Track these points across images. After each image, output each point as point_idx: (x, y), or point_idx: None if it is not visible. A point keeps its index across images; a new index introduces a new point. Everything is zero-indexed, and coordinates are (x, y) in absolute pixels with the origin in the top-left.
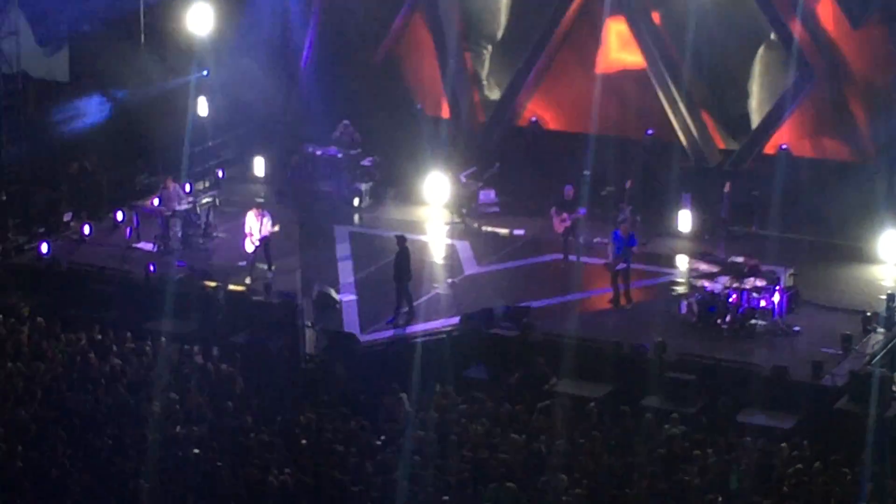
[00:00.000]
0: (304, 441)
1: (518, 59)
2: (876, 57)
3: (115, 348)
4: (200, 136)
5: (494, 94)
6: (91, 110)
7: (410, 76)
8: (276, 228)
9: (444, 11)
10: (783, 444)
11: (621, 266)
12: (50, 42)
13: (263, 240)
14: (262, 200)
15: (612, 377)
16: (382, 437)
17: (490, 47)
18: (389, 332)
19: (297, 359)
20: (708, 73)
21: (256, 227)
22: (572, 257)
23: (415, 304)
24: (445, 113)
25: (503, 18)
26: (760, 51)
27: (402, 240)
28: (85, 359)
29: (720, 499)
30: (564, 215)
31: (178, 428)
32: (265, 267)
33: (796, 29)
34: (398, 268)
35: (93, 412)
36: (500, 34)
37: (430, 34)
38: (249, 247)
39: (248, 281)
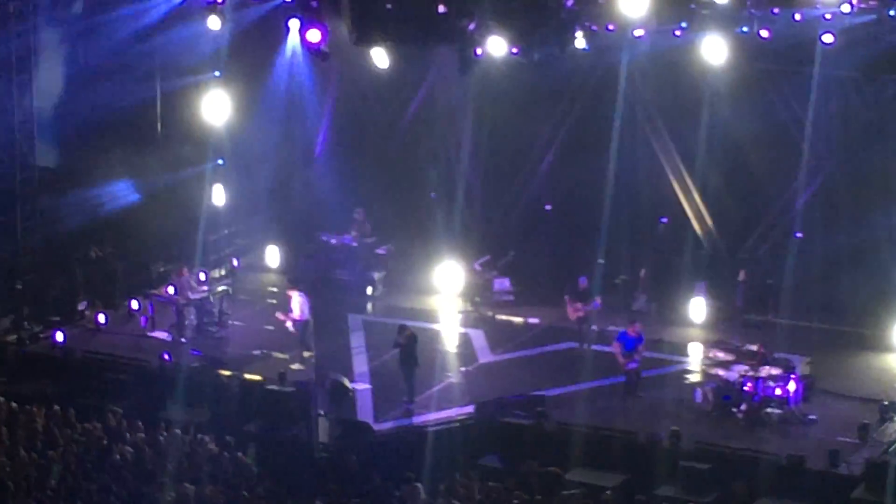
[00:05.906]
0: None
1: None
2: None
3: (128, 437)
4: (215, 224)
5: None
6: (112, 197)
7: (425, 164)
8: (283, 318)
9: (458, 100)
10: None
11: (632, 365)
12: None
13: (298, 322)
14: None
15: (626, 466)
16: None
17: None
18: (403, 421)
19: (311, 448)
20: (722, 160)
21: (296, 307)
22: (587, 345)
23: (428, 392)
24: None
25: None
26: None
27: (403, 329)
28: (99, 447)
29: None
30: (578, 305)
31: None
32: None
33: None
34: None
35: (106, 502)
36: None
37: (444, 123)
38: (290, 327)
39: (294, 366)
